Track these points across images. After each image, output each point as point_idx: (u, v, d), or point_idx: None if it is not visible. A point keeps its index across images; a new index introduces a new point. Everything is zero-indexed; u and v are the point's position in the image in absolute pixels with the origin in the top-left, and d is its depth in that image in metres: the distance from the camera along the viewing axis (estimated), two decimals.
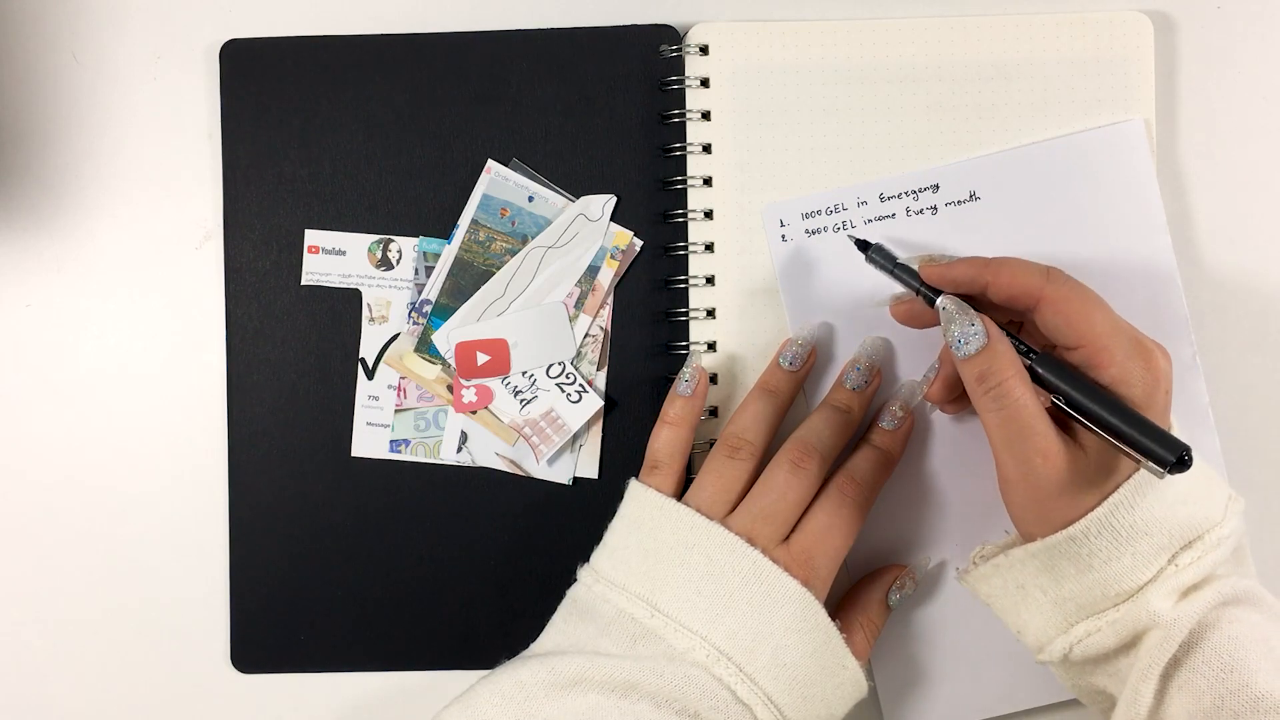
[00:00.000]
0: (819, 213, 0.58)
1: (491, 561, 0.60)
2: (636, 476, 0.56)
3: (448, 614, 0.60)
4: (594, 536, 0.55)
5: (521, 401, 0.59)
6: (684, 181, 0.59)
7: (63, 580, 0.61)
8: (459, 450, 0.60)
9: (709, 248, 0.59)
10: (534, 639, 0.54)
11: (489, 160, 0.59)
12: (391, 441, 0.60)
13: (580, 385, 0.59)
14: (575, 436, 0.59)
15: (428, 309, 0.60)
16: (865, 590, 0.57)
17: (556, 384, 0.59)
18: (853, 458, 0.56)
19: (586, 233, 0.59)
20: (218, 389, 0.60)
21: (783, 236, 0.59)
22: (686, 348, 0.59)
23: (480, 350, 0.59)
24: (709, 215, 0.59)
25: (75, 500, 0.61)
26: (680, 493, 0.55)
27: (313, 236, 0.60)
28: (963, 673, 0.59)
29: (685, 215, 0.59)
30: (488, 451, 0.60)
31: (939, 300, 0.52)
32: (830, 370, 0.58)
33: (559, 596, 0.54)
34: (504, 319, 0.59)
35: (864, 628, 0.56)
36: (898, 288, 0.55)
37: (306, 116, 0.60)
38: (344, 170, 0.60)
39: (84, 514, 0.61)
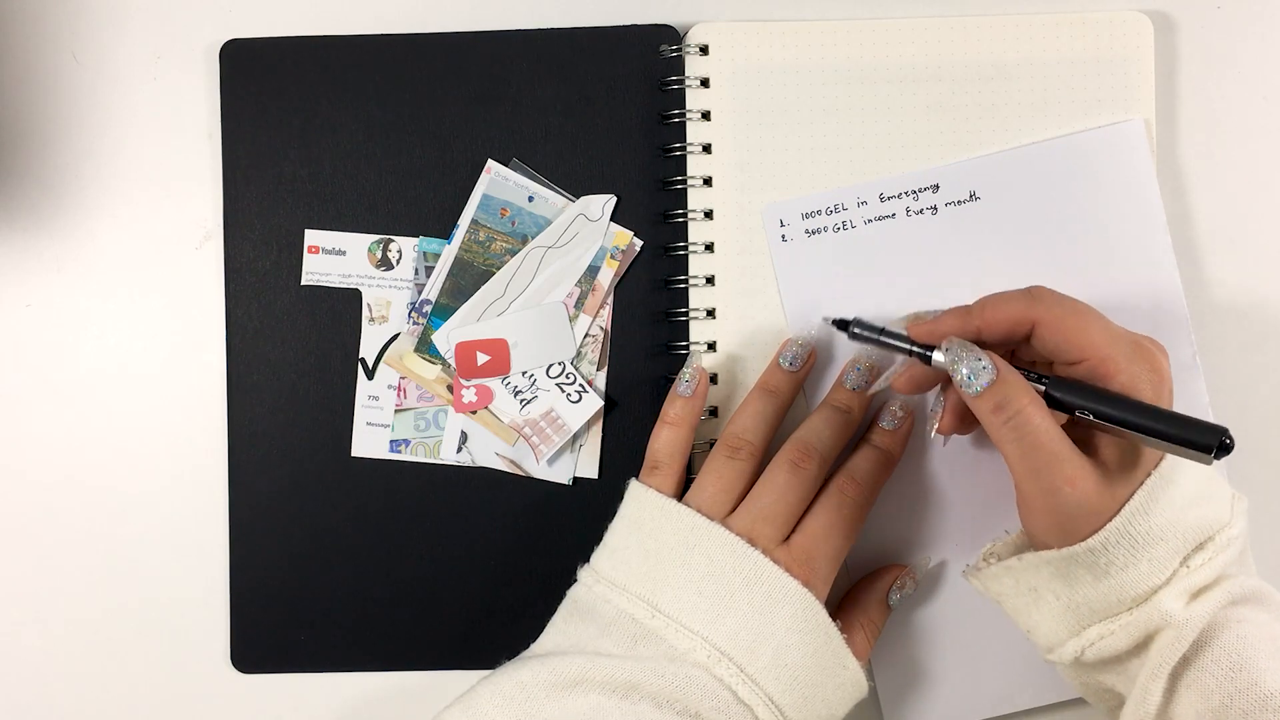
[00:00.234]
0: (819, 213, 0.58)
1: (491, 561, 0.60)
2: (637, 477, 0.56)
3: (448, 614, 0.60)
4: (594, 536, 0.55)
5: (521, 401, 0.59)
6: (684, 181, 0.59)
7: (63, 580, 0.61)
8: (459, 450, 0.60)
9: (709, 248, 0.59)
10: (534, 639, 0.54)
11: (489, 160, 0.59)
12: (391, 441, 0.60)
13: (580, 385, 0.59)
14: (575, 436, 0.59)
15: (428, 309, 0.60)
16: (865, 590, 0.57)
17: (556, 384, 0.59)
18: (853, 458, 0.56)
19: (586, 233, 0.59)
20: (218, 389, 0.60)
21: (783, 236, 0.59)
22: (686, 348, 0.59)
23: (480, 350, 0.59)
24: (709, 215, 0.59)
25: (75, 500, 0.61)
26: (681, 493, 0.55)
27: (313, 236, 0.60)
28: (963, 673, 0.59)
29: (685, 215, 0.59)
30: (488, 451, 0.60)
31: (942, 344, 0.51)
32: (830, 370, 0.58)
33: (559, 596, 0.54)
34: (504, 319, 0.59)
35: (864, 628, 0.56)
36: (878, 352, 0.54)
37: (306, 116, 0.60)
38: (344, 170, 0.60)
39: (84, 514, 0.61)
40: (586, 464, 0.59)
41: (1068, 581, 0.50)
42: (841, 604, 0.57)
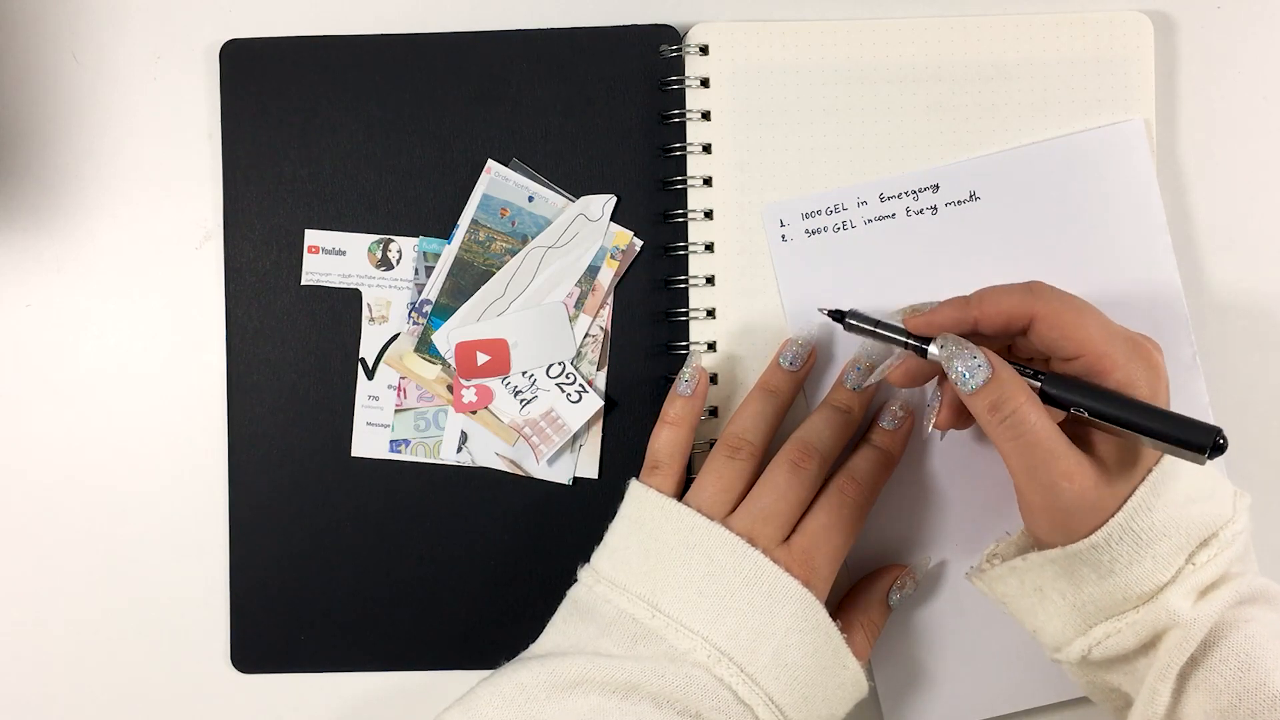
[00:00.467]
0: (819, 213, 0.58)
1: (491, 561, 0.60)
2: (637, 477, 0.56)
3: (448, 614, 0.60)
4: (594, 536, 0.55)
5: (521, 401, 0.59)
6: (684, 181, 0.59)
7: (63, 580, 0.61)
8: (459, 450, 0.60)
9: (709, 248, 0.59)
10: (534, 639, 0.54)
11: (489, 160, 0.59)
12: (391, 441, 0.60)
13: (580, 385, 0.59)
14: (575, 436, 0.59)
15: (428, 309, 0.60)
16: (865, 590, 0.57)
17: (556, 384, 0.59)
18: (853, 458, 0.56)
19: (586, 233, 0.59)
20: (218, 389, 0.60)
21: (783, 236, 0.59)
22: (686, 348, 0.59)
23: (480, 350, 0.59)
24: (709, 215, 0.59)
25: (75, 500, 0.61)
26: (681, 493, 0.55)
27: (313, 236, 0.60)
28: (963, 673, 0.59)
29: (685, 215, 0.59)
30: (488, 451, 0.60)
31: (936, 339, 0.50)
32: (830, 370, 0.58)
33: (559, 596, 0.54)
34: (504, 319, 0.59)
35: (864, 628, 0.56)
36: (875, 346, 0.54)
37: (306, 116, 0.60)
38: (344, 170, 0.60)
39: (84, 514, 0.61)
40: (586, 464, 0.59)
41: (1073, 580, 0.50)
42: (841, 604, 0.57)
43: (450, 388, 0.60)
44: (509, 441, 0.59)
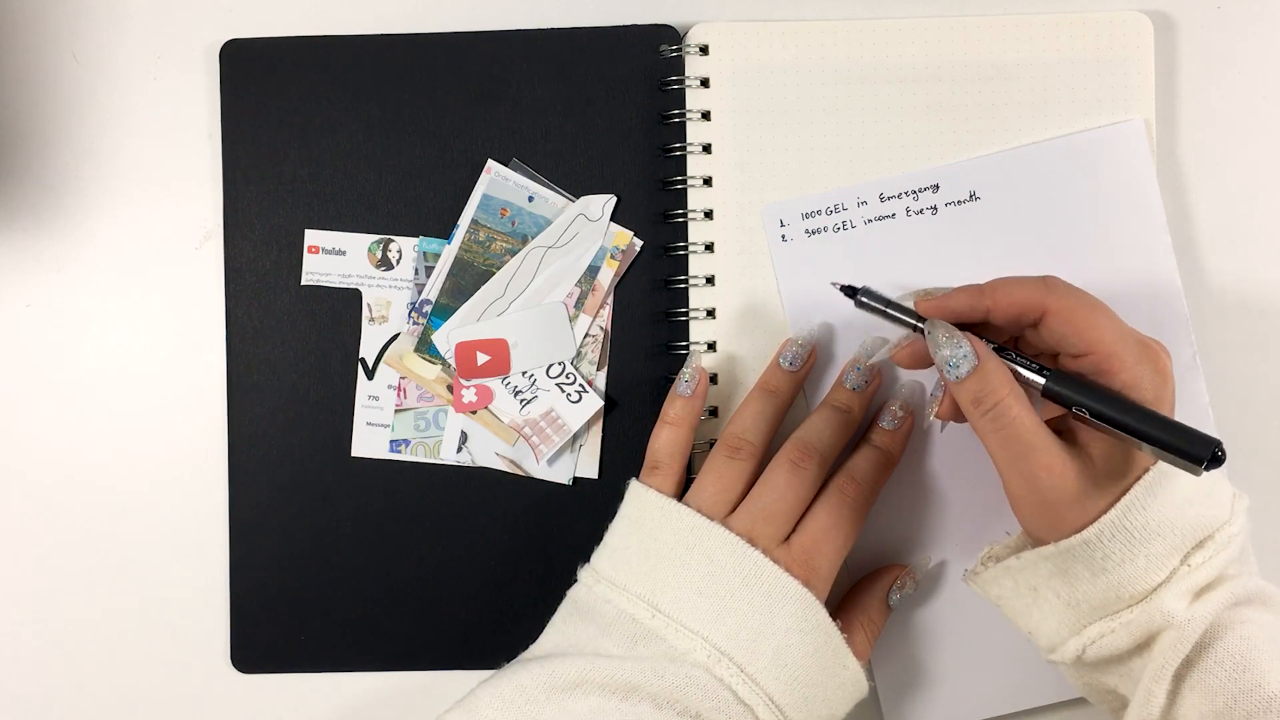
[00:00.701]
0: (819, 213, 0.58)
1: (491, 561, 0.60)
2: (637, 477, 0.56)
3: (448, 614, 0.60)
4: (594, 536, 0.55)
5: (521, 401, 0.59)
6: (684, 181, 0.59)
7: (63, 580, 0.61)
8: (459, 450, 0.60)
9: (709, 248, 0.59)
10: (534, 639, 0.54)
11: (489, 160, 0.59)
12: (391, 441, 0.60)
13: (580, 385, 0.59)
14: (575, 436, 0.59)
15: (428, 309, 0.60)
16: (865, 590, 0.57)
17: (556, 384, 0.59)
18: (853, 458, 0.56)
19: (586, 233, 0.59)
20: (218, 389, 0.60)
21: (783, 236, 0.59)
22: (686, 348, 0.59)
23: (480, 350, 0.59)
24: (709, 215, 0.59)
25: (75, 500, 0.61)
26: (681, 493, 0.55)
27: (313, 236, 0.60)
28: (963, 673, 0.59)
29: (685, 215, 0.59)
30: (488, 451, 0.60)
31: (925, 324, 0.51)
32: (830, 370, 0.58)
33: (559, 596, 0.54)
34: (504, 319, 0.59)
35: (864, 628, 0.56)
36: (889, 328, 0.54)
37: (306, 116, 0.60)
38: (344, 170, 0.60)
39: (84, 514, 0.61)
40: (586, 464, 0.59)
41: (1066, 578, 0.50)
42: (841, 604, 0.57)
43: (450, 388, 0.60)
44: (509, 441, 0.59)
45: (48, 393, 0.61)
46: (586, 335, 0.59)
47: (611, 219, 0.59)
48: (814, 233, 0.59)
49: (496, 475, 0.60)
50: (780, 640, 0.51)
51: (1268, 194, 0.60)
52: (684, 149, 0.59)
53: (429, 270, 0.59)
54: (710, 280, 0.59)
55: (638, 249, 0.59)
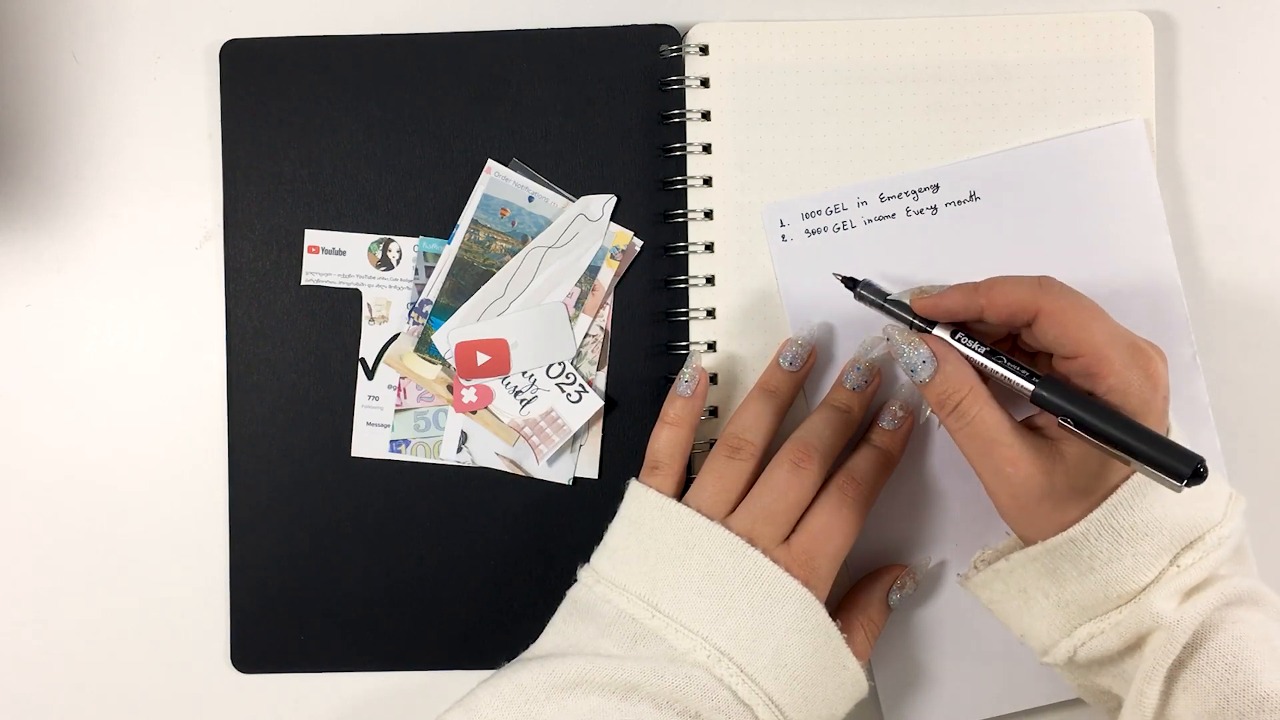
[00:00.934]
0: (819, 213, 0.58)
1: (491, 561, 0.60)
2: (637, 477, 0.56)
3: (448, 614, 0.60)
4: (594, 536, 0.55)
5: (521, 401, 0.59)
6: (684, 181, 0.59)
7: (63, 580, 0.61)
8: (459, 450, 0.60)
9: (709, 248, 0.59)
10: (534, 639, 0.54)
11: (489, 160, 0.59)
12: (391, 441, 0.60)
13: (580, 385, 0.59)
14: (575, 436, 0.59)
15: (428, 309, 0.60)
16: (865, 590, 0.57)
17: (556, 384, 0.59)
18: (853, 458, 0.56)
19: (586, 233, 0.59)
20: (218, 389, 0.60)
21: (783, 236, 0.59)
22: (686, 348, 0.59)
23: (480, 350, 0.59)
24: (709, 215, 0.59)
25: (75, 500, 0.61)
26: (681, 493, 0.55)
27: (313, 236, 0.60)
28: (963, 673, 0.59)
29: (685, 215, 0.59)
30: (488, 451, 0.60)
31: (883, 331, 0.53)
32: (830, 370, 0.58)
33: (559, 596, 0.54)
34: (504, 319, 0.59)
35: (864, 627, 0.56)
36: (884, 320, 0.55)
37: (306, 116, 0.60)
38: (344, 170, 0.60)
39: (84, 514, 0.61)
40: (586, 464, 0.59)
41: (1055, 579, 0.50)
42: (841, 604, 0.57)
43: (450, 388, 0.60)
44: (509, 441, 0.59)
45: (48, 393, 0.61)
46: (586, 335, 0.59)
47: (611, 219, 0.59)
48: (814, 233, 0.59)
49: (496, 475, 0.60)
50: (780, 640, 0.51)
51: (1267, 194, 0.60)
52: (684, 149, 0.59)
53: (429, 270, 0.59)
54: (710, 280, 0.59)
55: (638, 249, 0.59)
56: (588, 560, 0.55)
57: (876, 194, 0.58)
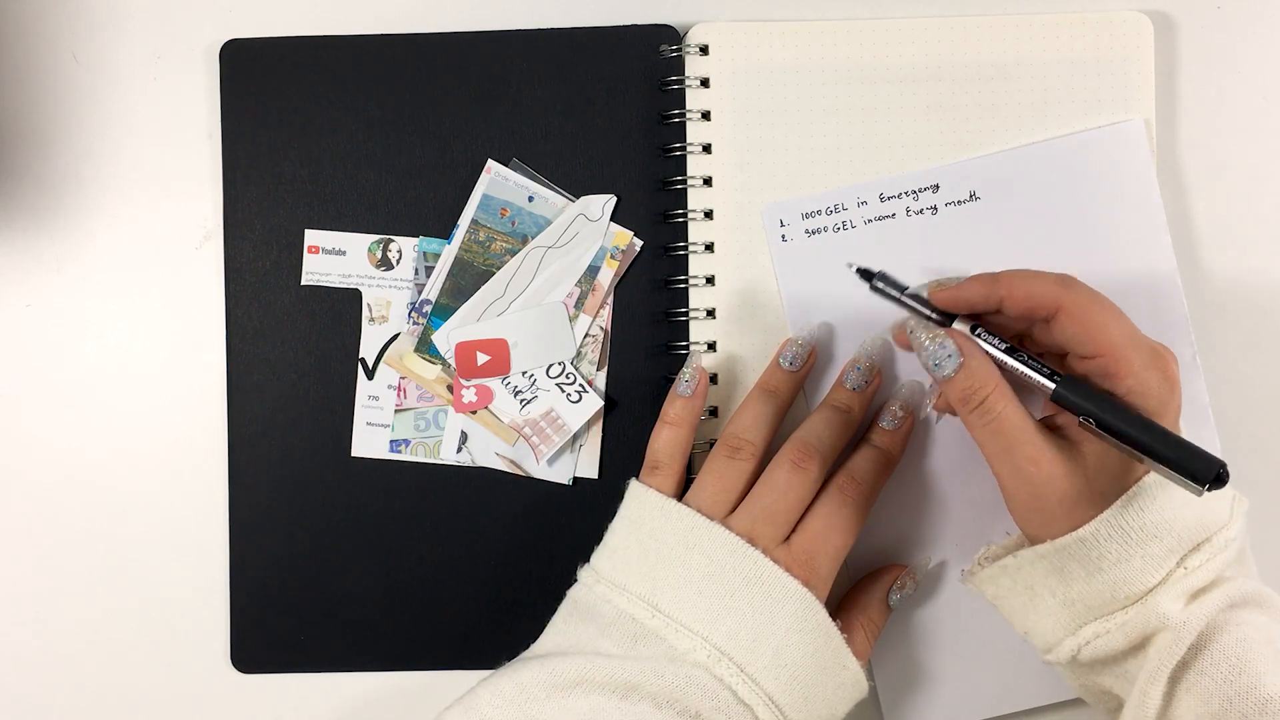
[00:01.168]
0: (819, 213, 0.58)
1: (491, 561, 0.60)
2: (637, 477, 0.56)
3: (448, 614, 0.60)
4: (594, 536, 0.55)
5: (521, 401, 0.59)
6: (684, 181, 0.59)
7: (63, 580, 0.61)
8: (459, 450, 0.60)
9: (709, 248, 0.59)
10: (534, 639, 0.54)
11: (489, 160, 0.59)
12: (391, 441, 0.60)
13: (580, 385, 0.59)
14: (575, 436, 0.59)
15: (428, 309, 0.60)
16: (866, 590, 0.57)
17: (556, 384, 0.59)
18: (853, 458, 0.56)
19: (586, 233, 0.59)
20: (218, 389, 0.60)
21: (783, 236, 0.59)
22: (686, 348, 0.59)
23: (480, 350, 0.59)
24: (709, 215, 0.59)
25: (75, 500, 0.61)
26: (681, 493, 0.55)
27: (313, 236, 0.60)
28: (963, 673, 0.59)
29: (685, 215, 0.59)
30: (488, 451, 0.60)
31: (907, 325, 0.52)
32: (830, 370, 0.58)
33: (559, 596, 0.54)
34: (504, 319, 0.59)
35: (864, 627, 0.56)
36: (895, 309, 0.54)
37: (306, 116, 0.60)
38: (344, 170, 0.60)
39: (84, 514, 0.61)
40: (586, 464, 0.59)
41: (1062, 577, 0.50)
42: (841, 604, 0.57)
43: (450, 388, 0.60)
44: (509, 441, 0.59)
45: (48, 393, 0.61)
46: (586, 335, 0.59)
47: (611, 219, 0.59)
48: (814, 233, 0.59)
49: (496, 475, 0.60)
50: (780, 640, 0.51)
51: (1268, 194, 0.60)
52: (684, 149, 0.59)
53: (429, 270, 0.59)
54: (710, 280, 0.59)
55: (638, 249, 0.59)
56: (588, 560, 0.55)
57: (876, 194, 0.58)
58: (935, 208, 0.58)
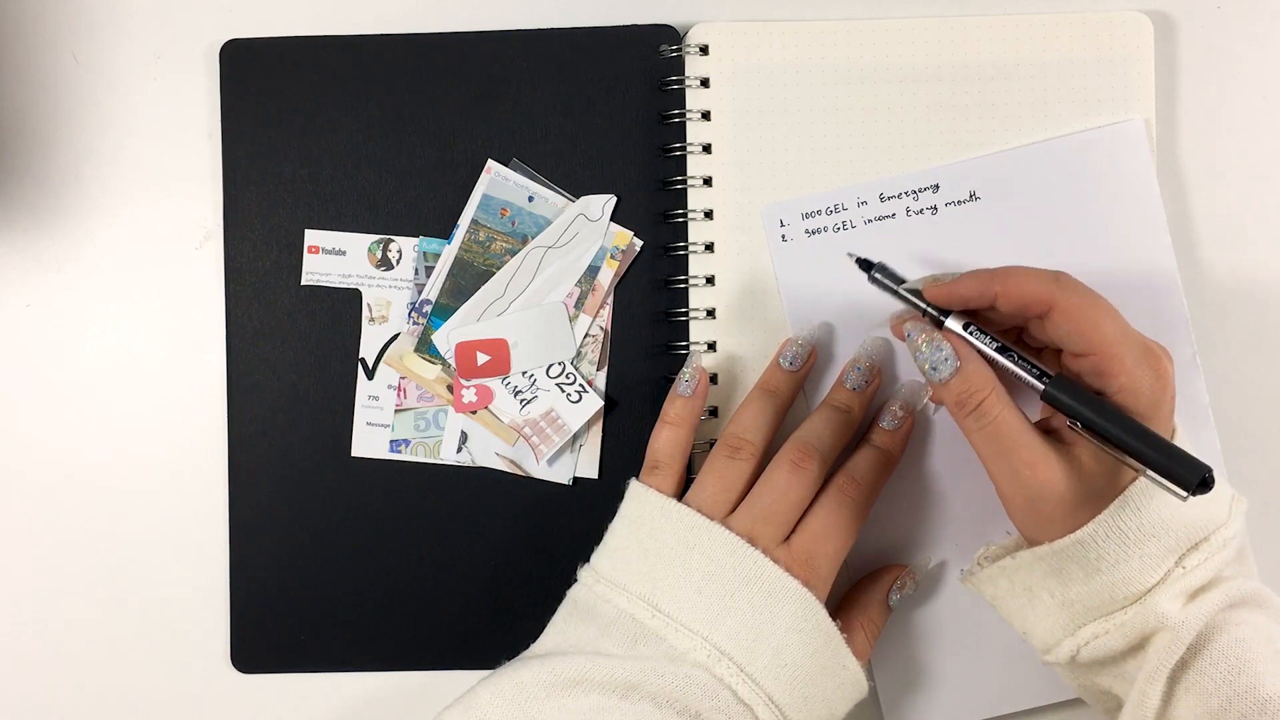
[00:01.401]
0: (819, 213, 0.58)
1: (491, 561, 0.60)
2: (637, 477, 0.56)
3: (448, 614, 0.60)
4: (594, 536, 0.55)
5: (521, 401, 0.59)
6: (684, 181, 0.59)
7: (63, 580, 0.61)
8: (459, 450, 0.60)
9: (709, 248, 0.59)
10: (534, 639, 0.54)
11: (489, 160, 0.59)
12: (391, 441, 0.60)
13: (580, 385, 0.59)
14: (575, 436, 0.59)
15: (428, 309, 0.60)
16: (865, 590, 0.57)
17: (556, 384, 0.59)
18: (853, 458, 0.56)
19: (586, 233, 0.59)
20: (218, 389, 0.60)
21: (783, 236, 0.59)
22: (686, 348, 0.59)
23: (480, 350, 0.59)
24: (709, 215, 0.59)
25: (75, 500, 0.61)
26: (681, 493, 0.55)
27: (313, 236, 0.60)
28: (963, 673, 0.59)
29: (685, 215, 0.59)
30: (488, 451, 0.60)
31: (906, 328, 0.52)
32: (830, 370, 0.58)
33: (559, 596, 0.54)
34: (504, 319, 0.59)
35: (864, 628, 0.56)
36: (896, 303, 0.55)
37: (306, 116, 0.60)
38: (344, 170, 0.60)
39: (84, 514, 0.61)
40: (586, 464, 0.59)
41: (1060, 578, 0.50)
42: (841, 604, 0.57)
43: (450, 388, 0.60)
44: (509, 441, 0.59)
45: (48, 393, 0.61)
46: (586, 335, 0.59)
47: (611, 219, 0.59)
48: (814, 233, 0.59)
49: (496, 475, 0.60)
50: (780, 640, 0.51)
51: (1267, 194, 0.60)
52: (684, 149, 0.59)
53: (429, 270, 0.59)
54: (710, 280, 0.59)
55: (638, 249, 0.59)
56: (588, 560, 0.55)
57: (876, 194, 0.58)
58: (935, 208, 0.58)
